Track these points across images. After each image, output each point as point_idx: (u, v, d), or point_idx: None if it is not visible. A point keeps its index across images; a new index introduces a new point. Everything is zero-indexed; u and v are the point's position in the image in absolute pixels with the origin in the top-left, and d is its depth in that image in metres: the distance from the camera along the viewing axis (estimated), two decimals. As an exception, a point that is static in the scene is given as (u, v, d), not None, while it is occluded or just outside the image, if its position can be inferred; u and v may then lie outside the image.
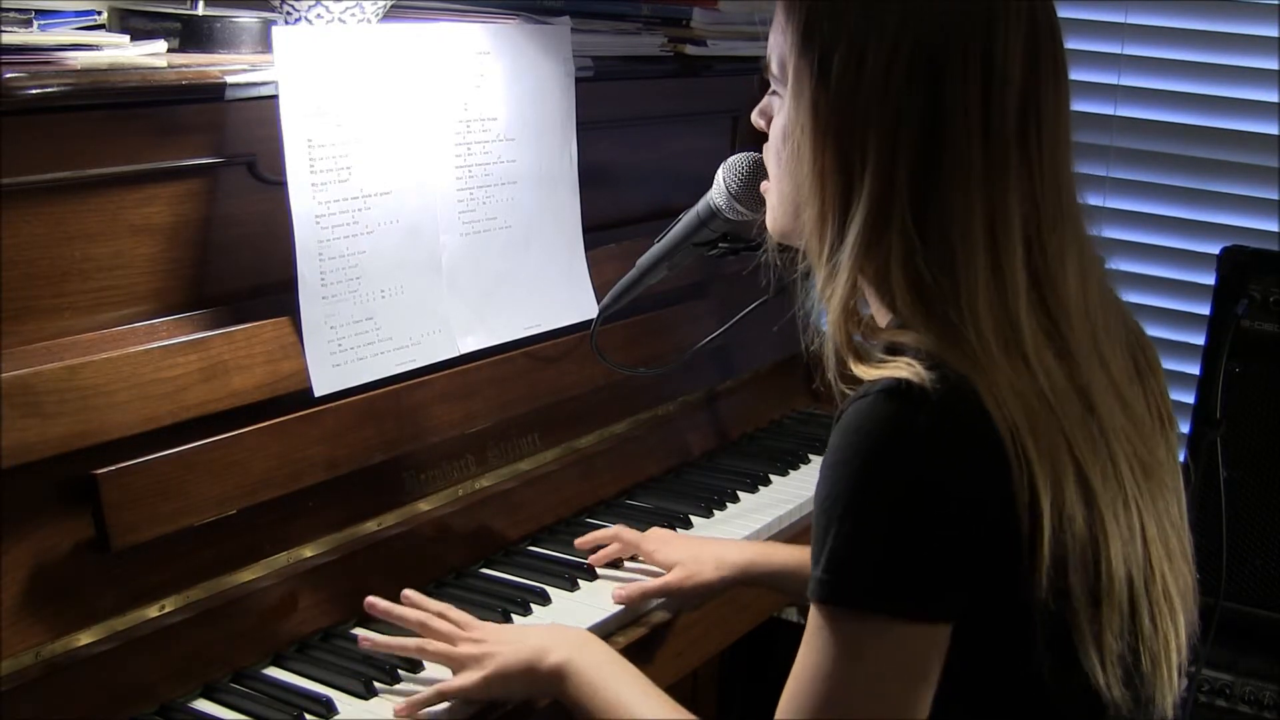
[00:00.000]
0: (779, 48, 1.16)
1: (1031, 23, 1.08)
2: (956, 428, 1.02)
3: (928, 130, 1.06)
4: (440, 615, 1.46)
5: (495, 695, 1.40)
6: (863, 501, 1.03)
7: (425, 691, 1.39)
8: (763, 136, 1.25)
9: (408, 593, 1.50)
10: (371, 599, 1.48)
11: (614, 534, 1.73)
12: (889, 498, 1.02)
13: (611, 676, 1.34)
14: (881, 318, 1.15)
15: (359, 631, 1.51)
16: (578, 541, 1.74)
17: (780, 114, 1.17)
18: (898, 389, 1.02)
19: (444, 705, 1.39)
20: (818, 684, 1.06)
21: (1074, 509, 1.04)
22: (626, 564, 1.74)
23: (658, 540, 1.71)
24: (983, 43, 1.06)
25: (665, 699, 1.30)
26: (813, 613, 1.07)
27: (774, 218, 1.23)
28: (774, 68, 1.18)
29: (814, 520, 1.07)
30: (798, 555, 1.64)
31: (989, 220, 1.07)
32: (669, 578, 1.64)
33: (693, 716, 1.26)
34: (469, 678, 1.39)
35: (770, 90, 1.22)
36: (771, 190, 1.23)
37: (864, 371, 1.06)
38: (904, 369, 1.03)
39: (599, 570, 1.72)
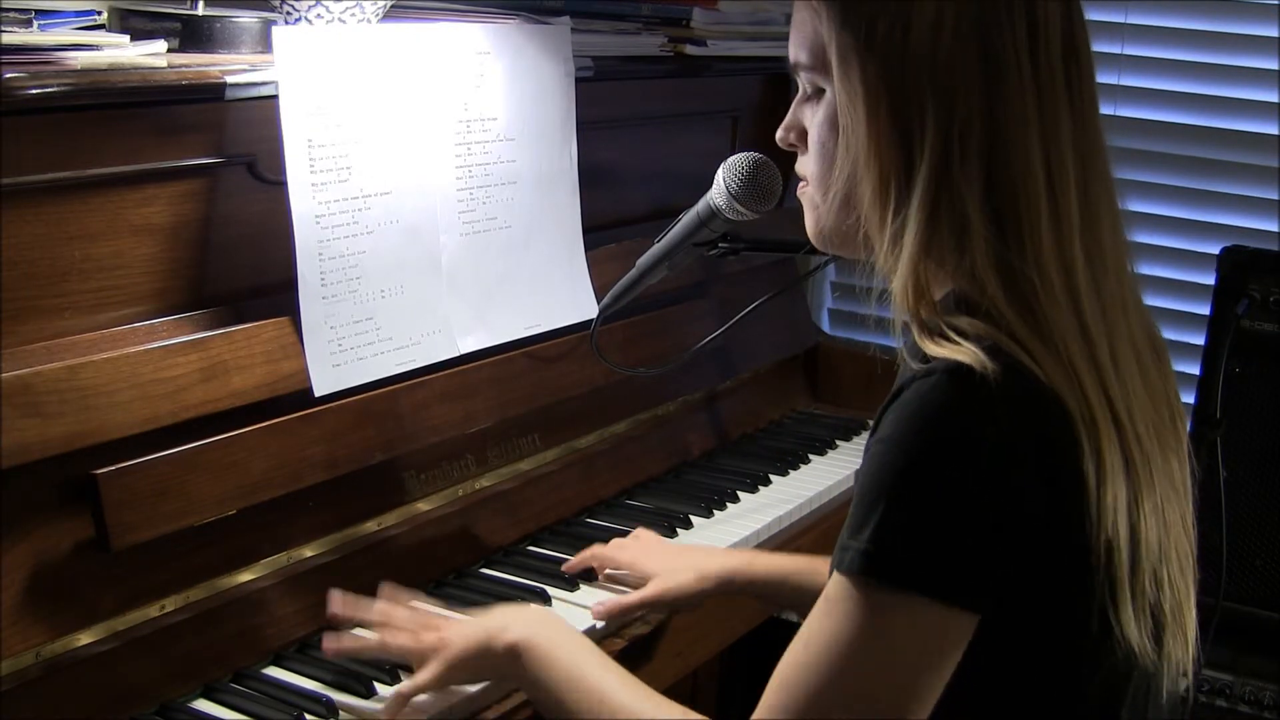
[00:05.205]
0: (810, 38, 1.15)
1: None
2: (1018, 416, 1.03)
3: (980, 81, 1.08)
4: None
5: (456, 683, 1.38)
6: (921, 480, 1.03)
7: (389, 696, 1.37)
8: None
9: (386, 586, 1.47)
10: (333, 596, 1.44)
11: (591, 555, 1.71)
12: (948, 479, 1.02)
13: (568, 651, 1.31)
14: (936, 288, 1.13)
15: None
16: (564, 567, 1.71)
17: (821, 109, 1.16)
18: (960, 370, 1.03)
19: (424, 699, 1.37)
20: (834, 655, 1.04)
21: (1119, 469, 1.06)
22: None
23: (635, 551, 1.69)
24: None
25: (625, 674, 1.28)
26: (839, 584, 1.06)
27: (819, 218, 1.20)
28: (805, 59, 1.17)
29: (859, 492, 1.06)
30: (780, 564, 1.62)
31: (1046, 160, 1.09)
32: (646, 591, 1.61)
33: (654, 692, 1.25)
34: (426, 672, 1.35)
35: (798, 99, 1.20)
36: (813, 190, 1.20)
37: (928, 346, 1.06)
38: (967, 354, 1.03)
39: (604, 573, 1.71)
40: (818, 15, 1.14)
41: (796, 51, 1.18)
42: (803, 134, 1.20)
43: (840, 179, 1.15)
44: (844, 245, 1.20)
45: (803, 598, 1.58)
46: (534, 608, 1.45)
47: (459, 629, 1.38)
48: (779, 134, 1.24)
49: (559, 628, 1.37)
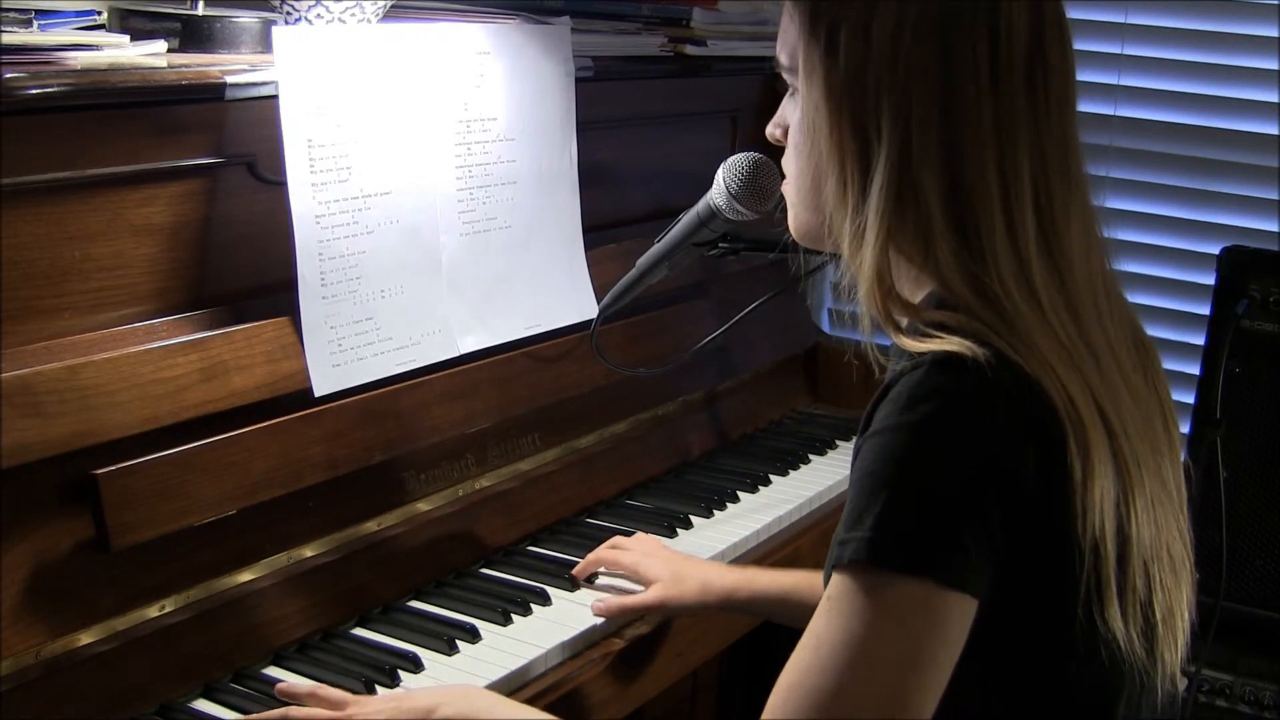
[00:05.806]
0: (789, 40, 1.18)
1: None
2: (1009, 402, 1.04)
3: (938, 89, 1.09)
4: (312, 695, 1.37)
5: None
6: (920, 467, 1.03)
7: None
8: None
9: (281, 686, 1.39)
10: None
11: (596, 560, 1.71)
12: (947, 465, 1.03)
13: (512, 714, 1.31)
14: (911, 290, 1.15)
15: None
16: (574, 571, 1.71)
17: (797, 110, 1.18)
18: (950, 361, 1.04)
19: None
20: (845, 651, 1.04)
21: (1107, 465, 1.06)
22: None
23: (637, 555, 1.68)
24: (987, 3, 1.09)
25: None
26: (841, 580, 1.05)
27: (795, 215, 1.23)
28: (785, 60, 1.19)
29: (856, 487, 1.07)
30: (780, 579, 1.60)
31: (1000, 168, 1.09)
32: (649, 596, 1.62)
33: None
34: None
35: (786, 97, 1.22)
36: (790, 187, 1.23)
37: (910, 344, 1.07)
38: (956, 345, 1.04)
39: (600, 573, 1.72)
40: (793, 19, 1.17)
41: (779, 52, 1.21)
42: (787, 131, 1.23)
43: (808, 178, 1.18)
44: (817, 242, 1.22)
45: (805, 612, 1.58)
46: (455, 685, 1.41)
47: (381, 710, 1.32)
48: (768, 129, 1.26)
49: (490, 696, 1.35)
